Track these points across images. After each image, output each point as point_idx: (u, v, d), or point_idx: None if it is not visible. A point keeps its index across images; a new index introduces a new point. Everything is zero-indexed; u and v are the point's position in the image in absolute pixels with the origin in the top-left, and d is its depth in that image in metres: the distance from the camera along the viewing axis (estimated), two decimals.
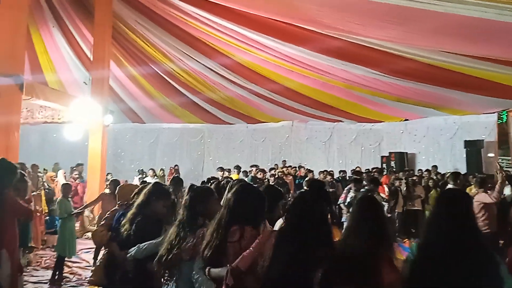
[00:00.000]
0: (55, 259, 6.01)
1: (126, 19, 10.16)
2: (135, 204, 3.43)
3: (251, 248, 2.40)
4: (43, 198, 7.94)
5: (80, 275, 6.06)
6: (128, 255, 3.17)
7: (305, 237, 2.23)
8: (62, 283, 5.63)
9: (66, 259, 6.07)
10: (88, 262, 6.60)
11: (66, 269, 6.09)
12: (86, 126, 9.37)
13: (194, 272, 2.62)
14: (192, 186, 3.03)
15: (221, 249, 2.49)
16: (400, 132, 13.86)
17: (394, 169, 11.92)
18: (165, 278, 2.82)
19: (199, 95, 13.20)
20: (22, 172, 4.67)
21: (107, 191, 7.19)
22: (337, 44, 8.00)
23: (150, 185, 3.58)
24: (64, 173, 10.54)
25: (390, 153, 13.32)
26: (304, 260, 2.19)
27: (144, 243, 3.13)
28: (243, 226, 2.52)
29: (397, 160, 12.82)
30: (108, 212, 4.33)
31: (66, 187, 6.38)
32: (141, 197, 3.42)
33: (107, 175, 10.39)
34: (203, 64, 11.02)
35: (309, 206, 2.40)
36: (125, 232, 3.32)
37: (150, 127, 16.82)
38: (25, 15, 6.86)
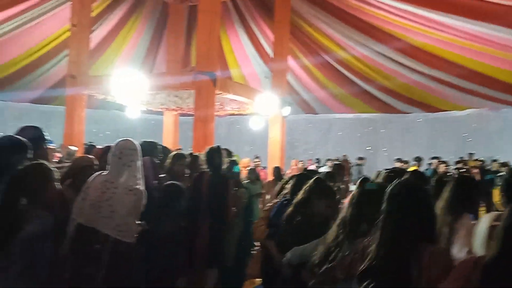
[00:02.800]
0: None
1: (303, 13, 10.52)
2: (294, 201, 3.06)
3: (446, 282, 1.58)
4: None
5: None
6: (283, 258, 2.82)
7: None
8: None
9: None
10: None
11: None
12: (267, 117, 10.12)
13: None
14: (364, 179, 2.65)
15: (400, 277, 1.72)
16: None
17: None
18: None
19: (373, 83, 12.84)
20: None
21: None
22: None
23: (311, 181, 3.06)
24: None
25: None
26: None
27: (300, 247, 2.70)
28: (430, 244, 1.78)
29: None
30: (268, 204, 4.15)
31: (250, 172, 6.97)
32: (300, 194, 3.02)
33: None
34: (378, 52, 10.69)
35: None
36: (282, 232, 3.01)
37: (322, 118, 17.12)
38: (218, 18, 7.72)
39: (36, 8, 9.89)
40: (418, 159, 10.72)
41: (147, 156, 3.69)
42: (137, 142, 2.89)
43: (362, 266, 1.83)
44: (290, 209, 2.99)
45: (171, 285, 3.28)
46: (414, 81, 11.85)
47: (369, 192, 2.30)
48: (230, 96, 8.31)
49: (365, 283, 1.78)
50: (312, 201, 2.85)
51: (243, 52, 13.17)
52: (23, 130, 2.87)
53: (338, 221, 2.38)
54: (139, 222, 2.80)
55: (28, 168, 2.37)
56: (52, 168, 2.43)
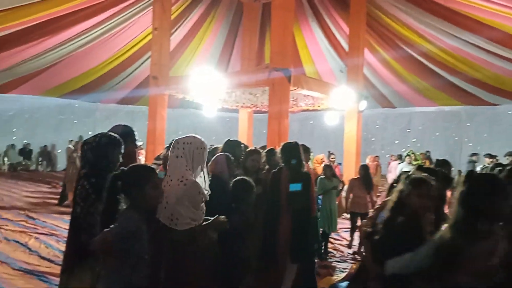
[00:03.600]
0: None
1: (381, 3, 10.11)
2: (389, 201, 2.77)
3: None
4: None
5: (342, 252, 6.46)
6: (384, 267, 2.49)
7: None
8: (328, 257, 6.10)
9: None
10: (348, 241, 6.95)
11: (329, 245, 6.57)
12: (342, 112, 9.89)
13: None
14: (471, 173, 2.22)
15: None
16: None
17: None
18: None
19: (458, 74, 12.01)
20: None
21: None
22: None
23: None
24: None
25: None
26: None
27: (402, 257, 2.35)
28: None
29: None
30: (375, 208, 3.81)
31: (326, 168, 6.85)
32: (394, 194, 2.72)
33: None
34: (465, 41, 9.95)
35: None
36: (379, 236, 2.71)
37: (401, 112, 16.43)
38: (292, 14, 7.67)
39: (120, 14, 10.56)
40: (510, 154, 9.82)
41: (225, 153, 3.77)
42: (195, 136, 2.88)
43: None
44: (388, 208, 2.71)
45: (239, 281, 3.32)
46: (505, 70, 10.89)
47: (479, 184, 2.11)
48: (305, 91, 8.23)
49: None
50: (411, 200, 2.55)
51: (317, 47, 13.00)
52: (115, 128, 3.11)
53: (450, 222, 2.15)
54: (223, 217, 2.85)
55: (130, 170, 2.43)
56: (154, 170, 2.48)
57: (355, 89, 9.37)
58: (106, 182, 2.53)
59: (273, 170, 4.12)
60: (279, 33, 7.39)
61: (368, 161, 11.14)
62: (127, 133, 3.10)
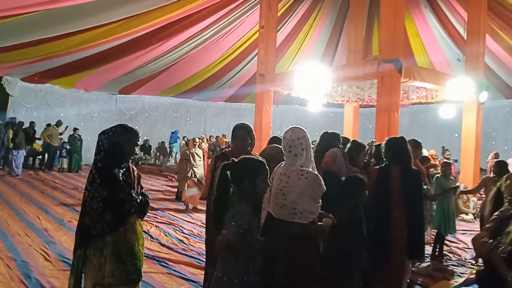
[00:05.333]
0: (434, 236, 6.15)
1: None
2: None
3: None
4: None
5: (459, 255, 5.97)
6: None
7: None
8: (443, 260, 5.69)
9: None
10: (466, 244, 6.41)
11: (445, 248, 6.12)
12: (460, 105, 9.12)
13: None
14: None
15: None
16: None
17: None
18: None
19: None
20: None
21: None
22: None
23: None
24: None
25: None
26: None
27: None
28: None
29: None
30: (497, 212, 3.32)
31: (445, 165, 6.37)
32: None
33: None
34: None
35: None
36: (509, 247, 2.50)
37: None
38: (403, 1, 7.28)
39: (228, 16, 11.02)
40: None
41: (336, 148, 3.71)
42: (303, 129, 2.86)
43: None
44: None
45: (348, 278, 3.24)
46: None
47: None
48: (417, 83, 7.77)
49: None
50: None
51: (430, 35, 12.14)
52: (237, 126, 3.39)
53: None
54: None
55: (243, 161, 2.48)
56: (265, 164, 2.49)
57: (474, 79, 8.58)
58: (115, 170, 2.66)
59: (379, 166, 3.94)
60: (389, 23, 7.06)
61: (489, 158, 10.14)
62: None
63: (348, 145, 4.25)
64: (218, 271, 2.38)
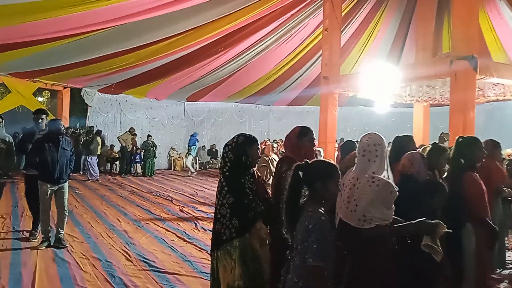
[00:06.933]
0: None
1: None
2: None
3: None
4: None
5: None
6: None
7: None
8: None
9: None
10: None
11: None
12: None
13: None
14: None
15: None
16: None
17: None
18: None
19: None
20: None
21: None
22: None
23: None
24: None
25: None
26: None
27: None
28: None
29: None
30: None
31: None
32: None
33: None
34: None
35: None
36: None
37: None
38: None
39: (290, 21, 11.07)
40: None
41: (416, 151, 3.61)
42: (380, 136, 2.81)
43: None
44: None
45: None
46: None
47: None
48: (494, 79, 7.29)
49: None
50: None
51: (506, 28, 11.35)
52: (296, 129, 3.44)
53: None
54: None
55: (316, 163, 2.55)
56: (337, 168, 2.52)
57: None
58: (241, 179, 2.88)
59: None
60: (463, 18, 6.71)
61: None
62: (304, 132, 3.38)
63: (428, 148, 4.11)
64: (292, 274, 2.42)
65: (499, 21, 11.16)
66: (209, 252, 5.52)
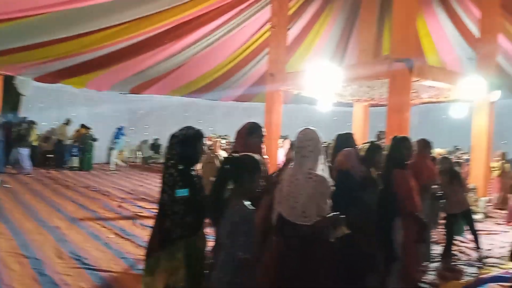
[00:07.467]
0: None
1: None
2: None
3: None
4: None
5: (469, 255, 5.93)
6: None
7: None
8: (453, 260, 5.66)
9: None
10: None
11: (455, 248, 6.07)
12: (471, 104, 9.04)
13: None
14: None
15: None
16: None
17: None
18: None
19: None
20: None
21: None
22: None
23: None
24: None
25: None
26: None
27: None
28: None
29: None
30: None
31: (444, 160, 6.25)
32: None
33: None
34: None
35: None
36: None
37: None
38: (416, 1, 7.23)
39: (238, 16, 11.04)
40: None
41: (351, 148, 3.71)
42: (314, 131, 2.86)
43: None
44: None
45: (363, 278, 3.23)
46: None
47: None
48: (428, 82, 7.70)
49: None
50: None
51: (441, 34, 12.04)
52: (246, 125, 3.44)
53: None
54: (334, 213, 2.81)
55: (244, 157, 2.62)
56: (260, 161, 2.60)
57: (486, 77, 8.49)
58: (193, 171, 2.74)
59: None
60: (402, 22, 7.00)
61: (496, 157, 10.11)
62: (254, 128, 3.38)
63: (366, 146, 4.24)
64: (218, 271, 2.45)
65: (435, 27, 11.82)
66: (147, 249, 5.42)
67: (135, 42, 10.97)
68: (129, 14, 9.32)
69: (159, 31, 10.63)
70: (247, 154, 2.66)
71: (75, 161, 14.32)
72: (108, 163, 15.33)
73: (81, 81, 14.26)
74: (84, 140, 14.10)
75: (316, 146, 2.78)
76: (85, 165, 14.03)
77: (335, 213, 2.76)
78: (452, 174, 5.75)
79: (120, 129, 15.18)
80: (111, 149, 15.21)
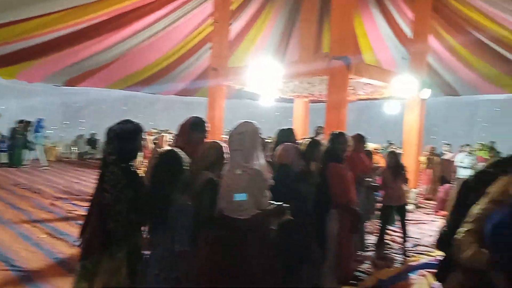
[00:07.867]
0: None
1: None
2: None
3: None
4: None
5: (400, 244, 6.27)
6: None
7: None
8: (385, 249, 5.95)
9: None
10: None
11: (387, 237, 6.38)
12: (403, 101, 9.54)
13: None
14: None
15: None
16: None
17: None
18: None
19: None
20: None
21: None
22: None
23: None
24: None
25: None
26: None
27: None
28: None
29: None
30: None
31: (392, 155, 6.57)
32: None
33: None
34: None
35: None
36: None
37: (466, 100, 15.53)
38: (353, 1, 7.49)
39: (180, 8, 10.83)
40: None
41: (289, 143, 3.77)
42: (247, 124, 2.85)
43: None
44: None
45: (298, 270, 3.32)
46: None
47: None
48: (365, 80, 8.01)
49: None
50: None
51: (377, 34, 12.59)
52: (190, 120, 3.35)
53: None
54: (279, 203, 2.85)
55: (165, 155, 2.62)
56: (182, 156, 2.60)
57: (417, 76, 8.99)
58: (134, 167, 2.63)
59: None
60: (339, 21, 7.23)
61: (426, 151, 10.82)
62: (197, 123, 3.32)
63: (305, 142, 4.34)
64: (152, 268, 2.47)
65: (371, 27, 12.32)
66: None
67: (71, 31, 10.43)
68: (66, 2, 8.83)
69: (97, 21, 10.17)
70: (172, 150, 2.67)
71: (4, 157, 13.38)
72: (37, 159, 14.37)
73: (10, 71, 13.30)
74: (14, 134, 13.21)
75: (249, 139, 2.76)
76: (15, 161, 13.15)
77: (278, 203, 2.79)
78: (398, 169, 5.86)
79: (39, 121, 14.10)
80: (31, 143, 13.85)
